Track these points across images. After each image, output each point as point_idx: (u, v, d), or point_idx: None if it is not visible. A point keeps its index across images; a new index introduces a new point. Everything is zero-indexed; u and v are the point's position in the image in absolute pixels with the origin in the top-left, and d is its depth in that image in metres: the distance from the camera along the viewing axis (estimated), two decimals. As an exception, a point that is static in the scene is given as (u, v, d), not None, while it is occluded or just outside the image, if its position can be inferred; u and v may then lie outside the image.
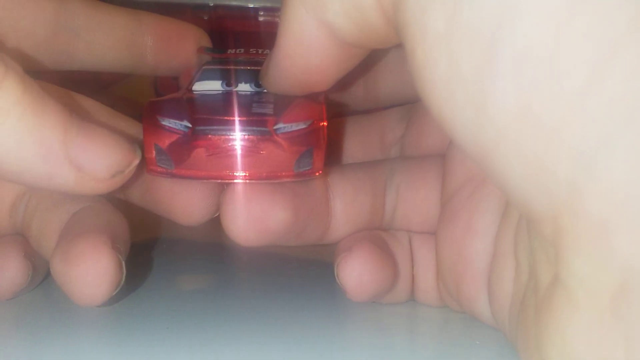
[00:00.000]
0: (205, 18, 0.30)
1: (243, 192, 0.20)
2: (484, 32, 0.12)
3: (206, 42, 0.27)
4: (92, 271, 0.19)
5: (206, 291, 0.25)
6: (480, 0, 0.12)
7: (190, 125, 0.20)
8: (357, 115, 0.27)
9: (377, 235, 0.23)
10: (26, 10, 0.23)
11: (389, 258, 0.22)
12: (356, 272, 0.21)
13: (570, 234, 0.12)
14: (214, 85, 0.22)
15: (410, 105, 0.26)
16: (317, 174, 0.20)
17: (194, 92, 0.22)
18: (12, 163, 0.17)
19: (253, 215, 0.20)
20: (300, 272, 0.25)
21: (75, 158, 0.18)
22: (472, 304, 0.20)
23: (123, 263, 0.19)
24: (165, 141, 0.20)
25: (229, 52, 0.24)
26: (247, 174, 0.20)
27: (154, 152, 0.20)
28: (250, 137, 0.19)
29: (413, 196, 0.23)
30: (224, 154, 0.19)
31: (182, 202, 0.21)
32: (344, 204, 0.22)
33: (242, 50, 0.24)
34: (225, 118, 0.20)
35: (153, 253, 0.28)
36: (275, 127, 0.20)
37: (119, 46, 0.25)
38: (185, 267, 0.27)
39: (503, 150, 0.13)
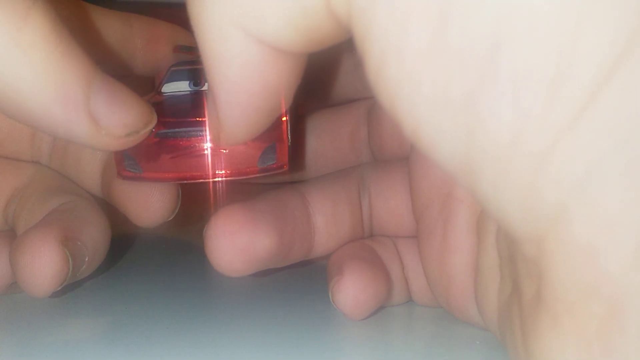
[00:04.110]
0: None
1: (225, 223, 0.20)
2: (478, 53, 0.11)
3: (187, 39, 0.27)
4: (36, 262, 0.19)
5: (206, 291, 0.25)
6: (473, 16, 0.11)
7: (153, 129, 0.20)
8: (326, 110, 0.27)
9: (364, 246, 0.23)
10: None
11: (380, 270, 0.22)
12: (351, 295, 0.21)
13: (555, 258, 0.12)
14: (181, 86, 0.23)
15: (371, 103, 0.26)
16: (283, 168, 0.21)
17: (163, 94, 0.22)
18: (32, 103, 0.17)
19: (238, 246, 0.20)
20: (298, 272, 0.25)
21: (95, 110, 0.18)
22: (462, 314, 0.21)
23: (70, 258, 0.20)
24: (132, 146, 0.20)
25: None
26: (213, 173, 0.20)
27: (122, 157, 0.21)
28: None
29: (385, 206, 0.23)
30: (188, 155, 0.20)
31: (136, 205, 0.22)
32: (325, 218, 0.22)
33: None
34: (187, 120, 0.20)
35: (152, 253, 0.28)
36: None
37: (112, 49, 0.25)
38: (186, 267, 0.27)
39: (490, 174, 0.12)
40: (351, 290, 0.21)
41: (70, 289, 0.24)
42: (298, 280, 0.25)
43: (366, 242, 0.23)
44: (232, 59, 0.15)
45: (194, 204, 0.23)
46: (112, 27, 0.25)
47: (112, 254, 0.23)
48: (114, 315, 0.22)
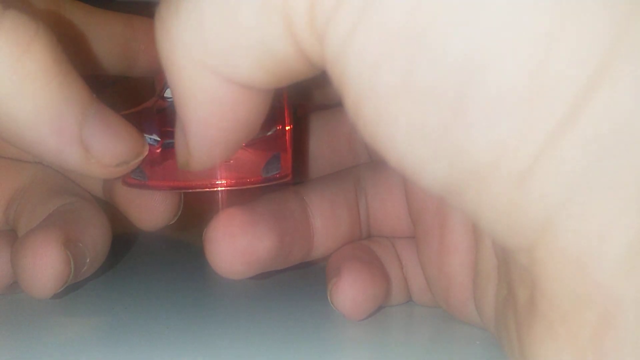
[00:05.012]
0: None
1: (225, 226, 0.20)
2: (451, 86, 0.12)
3: None
4: (38, 264, 0.19)
5: (207, 291, 0.25)
6: (442, 54, 0.11)
7: (158, 139, 0.20)
8: (324, 111, 0.27)
9: (362, 247, 0.23)
10: None
11: (378, 271, 0.22)
12: (349, 296, 0.21)
13: (547, 267, 0.12)
14: None
15: None
16: (287, 177, 0.20)
17: (166, 99, 0.22)
18: (25, 130, 0.17)
19: (239, 248, 0.20)
20: (297, 273, 0.25)
21: (87, 139, 0.18)
22: (462, 314, 0.21)
23: (71, 260, 0.20)
24: None
25: None
26: (217, 182, 0.20)
27: None
28: None
29: (382, 208, 0.23)
30: None
31: (138, 208, 0.22)
32: (324, 220, 0.22)
33: None
34: None
35: (153, 254, 0.29)
36: None
37: (115, 52, 0.25)
38: (186, 267, 0.27)
39: (474, 194, 0.12)
40: (349, 291, 0.21)
41: (71, 289, 0.24)
42: (297, 282, 0.25)
43: (364, 244, 0.23)
44: (203, 99, 0.15)
45: (195, 206, 0.23)
46: (114, 29, 0.25)
47: (112, 255, 0.23)
48: (114, 315, 0.22)
